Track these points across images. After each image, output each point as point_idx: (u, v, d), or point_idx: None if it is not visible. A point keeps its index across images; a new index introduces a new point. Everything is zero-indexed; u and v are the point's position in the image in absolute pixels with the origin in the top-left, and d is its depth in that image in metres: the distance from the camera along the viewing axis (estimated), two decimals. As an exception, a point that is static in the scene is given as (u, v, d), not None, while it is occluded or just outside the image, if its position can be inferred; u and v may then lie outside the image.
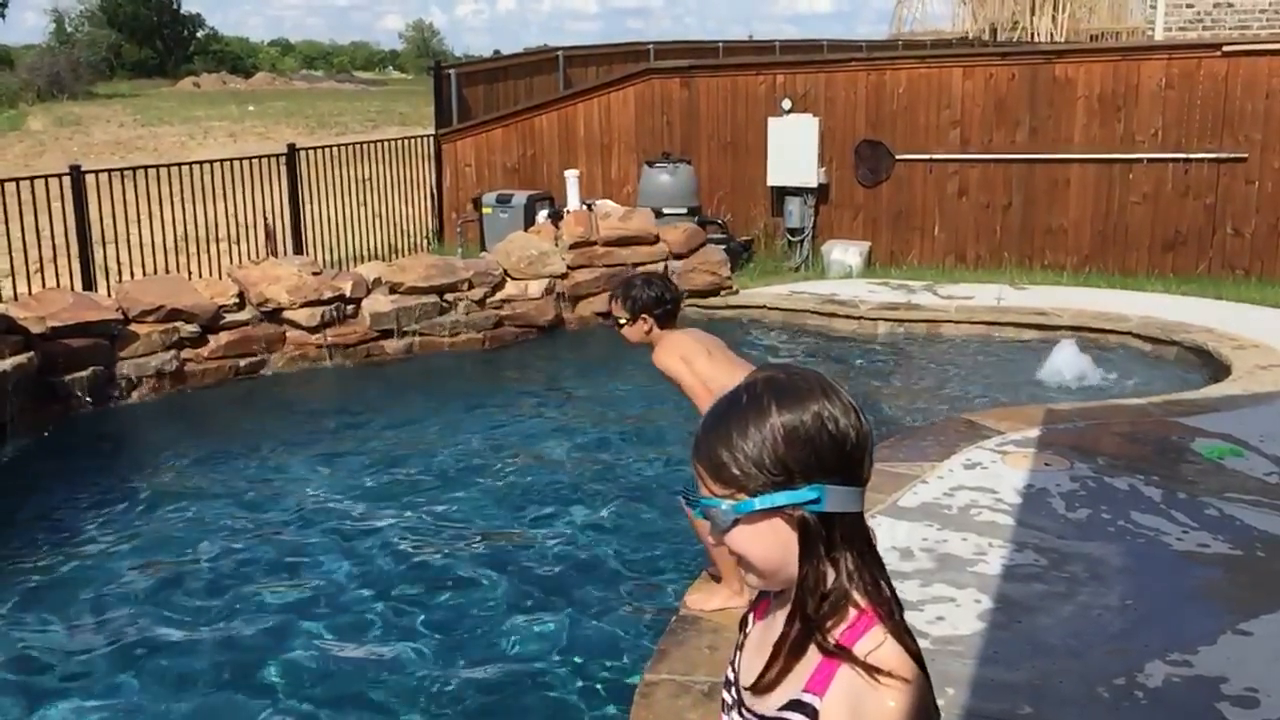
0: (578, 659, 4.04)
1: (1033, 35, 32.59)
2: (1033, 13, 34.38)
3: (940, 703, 3.24)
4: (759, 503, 1.32)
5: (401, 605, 4.48)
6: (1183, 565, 4.22)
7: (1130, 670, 3.44)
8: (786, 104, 11.21)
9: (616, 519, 5.32)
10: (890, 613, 1.32)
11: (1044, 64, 10.79)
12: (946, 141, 11.02)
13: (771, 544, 1.33)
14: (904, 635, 1.31)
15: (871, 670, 1.27)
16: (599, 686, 3.86)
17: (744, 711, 1.39)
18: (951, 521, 4.56)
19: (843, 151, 11.35)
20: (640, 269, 9.64)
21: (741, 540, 1.34)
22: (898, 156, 11.17)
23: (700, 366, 3.95)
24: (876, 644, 1.29)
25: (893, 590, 1.35)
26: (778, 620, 1.38)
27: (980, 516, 4.62)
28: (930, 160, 11.09)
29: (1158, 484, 4.98)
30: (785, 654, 1.33)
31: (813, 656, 1.32)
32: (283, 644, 4.19)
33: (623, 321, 4.04)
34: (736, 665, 1.45)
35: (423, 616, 4.39)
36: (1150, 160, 10.37)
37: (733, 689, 1.44)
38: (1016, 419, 5.93)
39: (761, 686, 1.36)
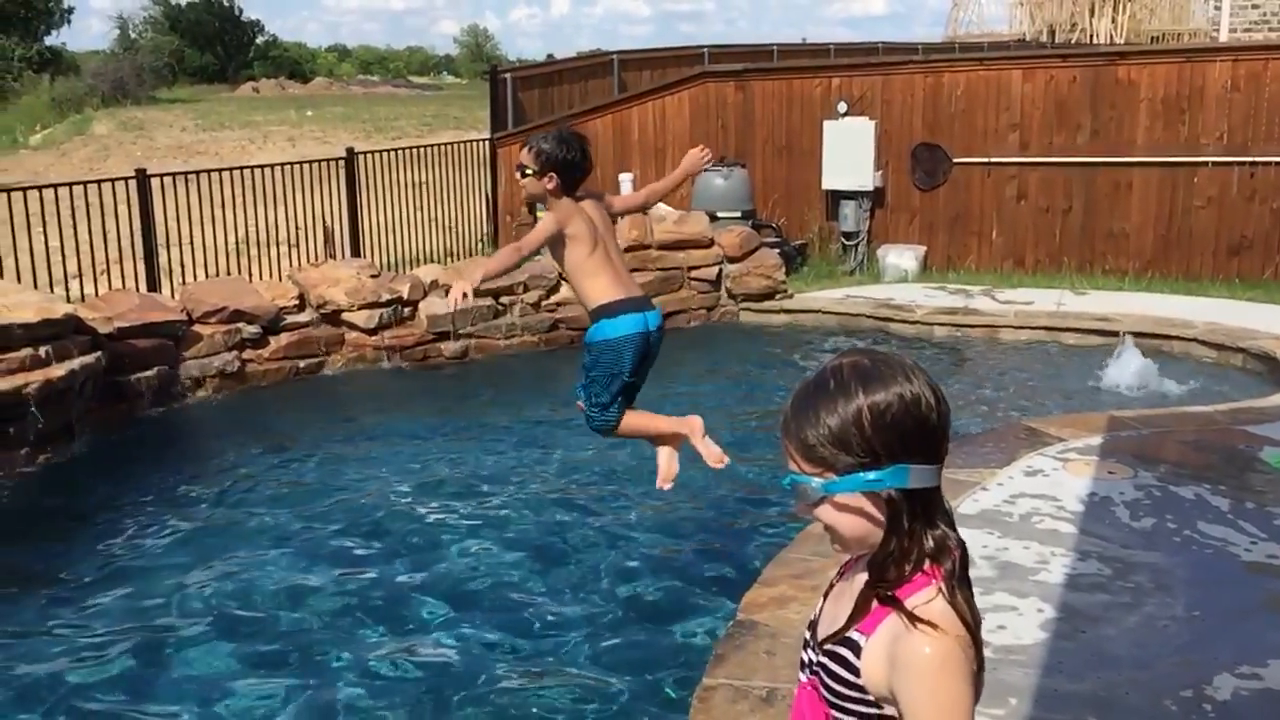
0: (634, 663, 4.04)
1: (1092, 37, 32.12)
2: (1092, 14, 33.88)
3: (1001, 713, 3.21)
4: (847, 483, 1.43)
5: (461, 604, 4.52)
6: (1251, 576, 4.13)
7: (1198, 683, 3.37)
8: (842, 107, 11.15)
9: (674, 522, 5.31)
10: (951, 574, 1.43)
11: (1106, 66, 10.64)
12: (1006, 144, 10.91)
13: (857, 518, 1.45)
14: (956, 597, 1.42)
15: (913, 618, 1.39)
16: (656, 691, 3.86)
17: (814, 647, 1.54)
18: (1013, 529, 4.50)
19: (899, 155, 11.27)
20: (693, 271, 9.66)
21: (829, 515, 1.46)
22: (955, 160, 11.06)
23: (578, 249, 4.02)
24: (927, 599, 1.41)
25: (964, 561, 1.46)
26: (858, 580, 1.51)
27: (1042, 524, 4.56)
28: (989, 163, 10.98)
29: (1225, 493, 4.88)
30: (858, 606, 1.47)
31: (873, 604, 1.46)
32: (341, 638, 4.24)
33: (529, 172, 4.03)
34: (818, 609, 1.59)
35: (481, 616, 4.42)
36: (1215, 164, 10.19)
37: (814, 627, 1.58)
38: (1078, 426, 5.85)
39: (833, 632, 1.50)
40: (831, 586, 1.60)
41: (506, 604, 4.53)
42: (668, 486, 4.48)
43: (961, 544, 1.47)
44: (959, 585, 1.43)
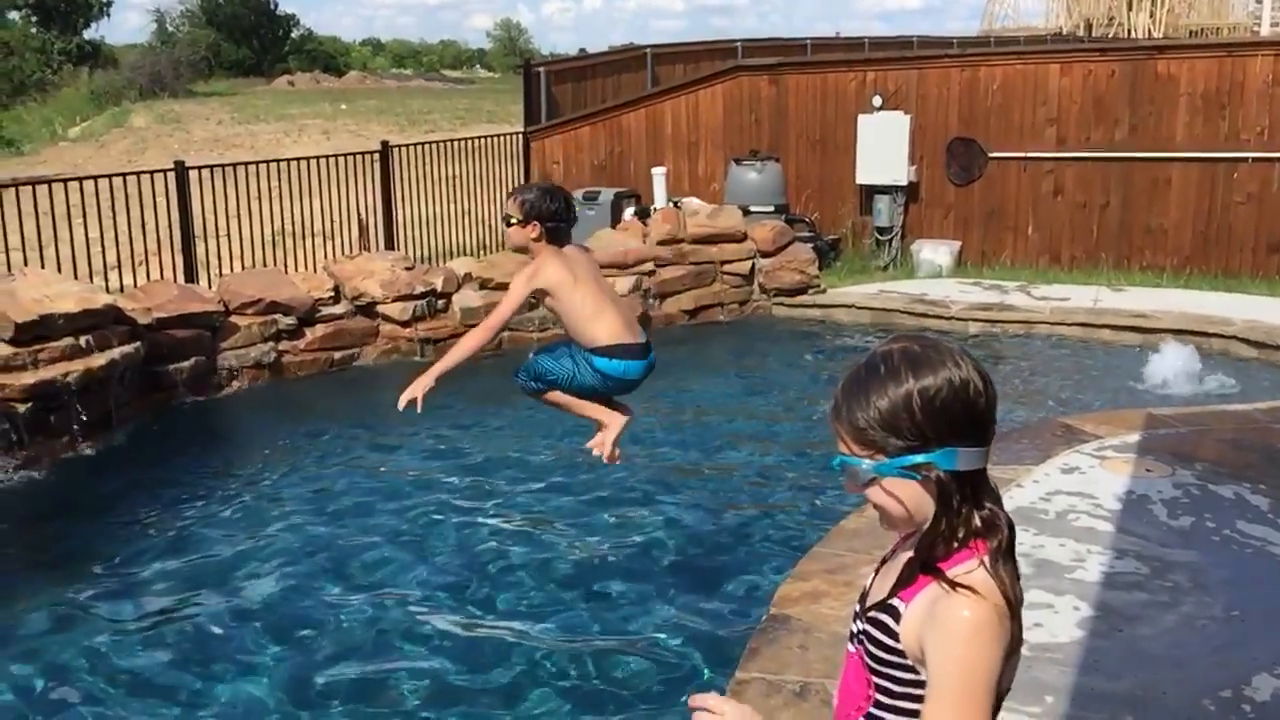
0: (666, 657, 4.06)
1: (1129, 31, 31.82)
2: (1130, 8, 33.55)
3: (1038, 710, 3.18)
4: (897, 465, 1.47)
5: (493, 594, 4.55)
6: (1292, 577, 4.08)
7: (1237, 683, 3.34)
8: (877, 101, 11.08)
9: (707, 516, 5.32)
10: (996, 549, 1.47)
11: (1145, 60, 10.53)
12: (1042, 139, 10.81)
13: (906, 498, 1.50)
14: (999, 569, 1.45)
15: (954, 584, 1.44)
16: (688, 684, 3.87)
17: (862, 617, 1.59)
18: (1049, 527, 4.47)
19: (934, 149, 11.20)
20: (725, 265, 9.65)
21: (879, 495, 1.51)
22: (991, 154, 10.98)
23: (565, 295, 4.04)
24: (968, 570, 1.45)
25: (1011, 539, 1.50)
26: (906, 555, 1.56)
27: (1078, 522, 4.52)
28: (1025, 158, 10.89)
29: (1265, 492, 4.82)
30: (902, 577, 1.53)
31: (916, 574, 1.51)
32: (371, 623, 4.30)
33: (514, 221, 4.09)
34: (869, 583, 1.64)
35: (513, 606, 4.45)
36: (1255, 159, 10.05)
37: (863, 600, 1.62)
38: (1116, 423, 5.79)
39: (877, 600, 1.57)
40: (884, 562, 1.65)
41: (539, 594, 4.55)
42: (596, 453, 4.45)
43: (1010, 523, 1.51)
44: (1003, 560, 1.47)
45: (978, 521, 1.48)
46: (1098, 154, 10.61)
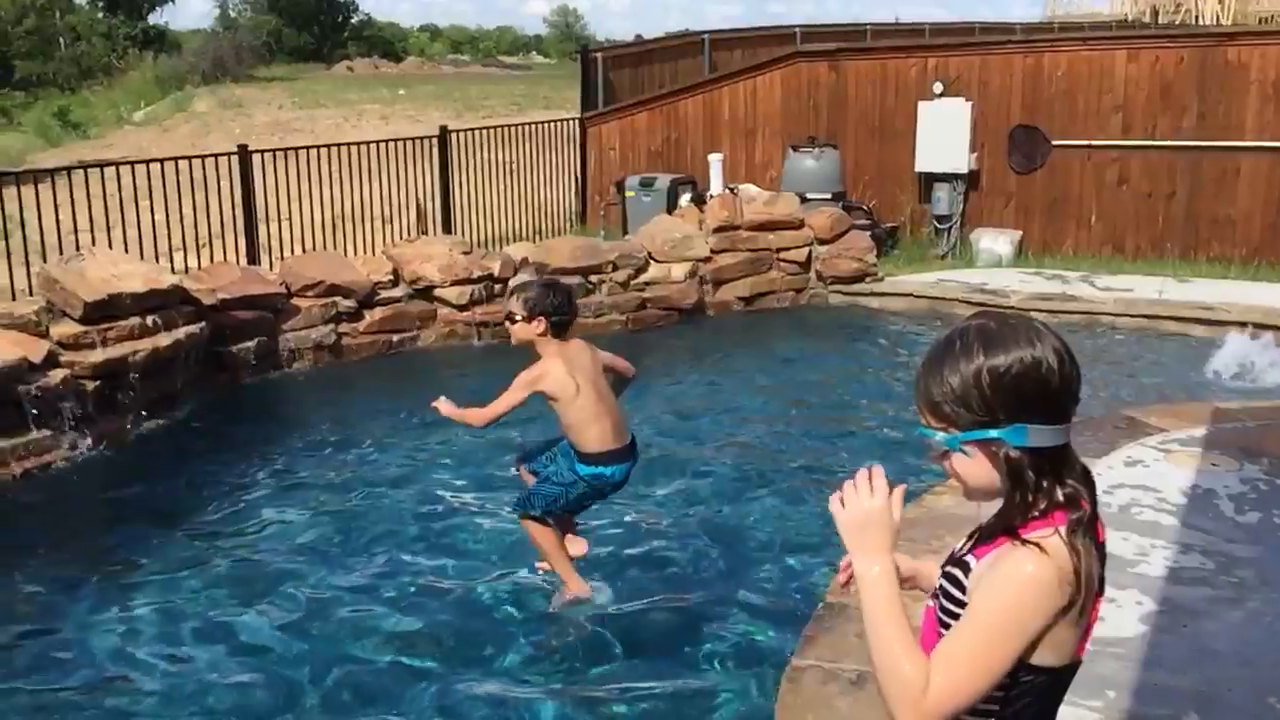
0: (721, 641, 4.06)
1: (1197, 18, 31.14)
2: (1198, -6, 32.80)
3: (1099, 704, 3.14)
4: (965, 438, 1.54)
5: (532, 584, 4.58)
6: (1364, 576, 3.99)
7: (1306, 682, 3.28)
8: (938, 87, 10.96)
9: (764, 502, 5.31)
10: (1076, 522, 1.49)
11: (1215, 47, 10.30)
12: (1107, 127, 10.62)
13: (981, 469, 1.56)
14: (1074, 539, 1.48)
15: (1025, 541, 1.48)
16: (745, 671, 3.88)
17: (942, 573, 1.65)
18: (1112, 520, 4.36)
19: (996, 137, 11.04)
20: (782, 253, 9.60)
21: (954, 465, 1.59)
22: (1054, 142, 10.81)
23: (566, 401, 4.03)
24: (1043, 536, 1.49)
25: (1093, 516, 1.52)
26: None
27: (1142, 516, 4.46)
28: (1089, 147, 10.70)
29: (1336, 490, 4.72)
30: (980, 536, 1.59)
31: (993, 536, 1.56)
32: (434, 592, 4.38)
33: (517, 318, 4.10)
34: (958, 546, 1.67)
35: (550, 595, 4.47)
36: (1329, 149, 9.81)
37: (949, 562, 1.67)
38: (1180, 417, 5.70)
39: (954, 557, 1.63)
40: (978, 529, 1.68)
41: (589, 572, 4.57)
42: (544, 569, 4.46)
43: (1095, 503, 1.54)
44: (1081, 532, 1.49)
45: (1059, 496, 1.52)
46: (1165, 143, 10.41)
